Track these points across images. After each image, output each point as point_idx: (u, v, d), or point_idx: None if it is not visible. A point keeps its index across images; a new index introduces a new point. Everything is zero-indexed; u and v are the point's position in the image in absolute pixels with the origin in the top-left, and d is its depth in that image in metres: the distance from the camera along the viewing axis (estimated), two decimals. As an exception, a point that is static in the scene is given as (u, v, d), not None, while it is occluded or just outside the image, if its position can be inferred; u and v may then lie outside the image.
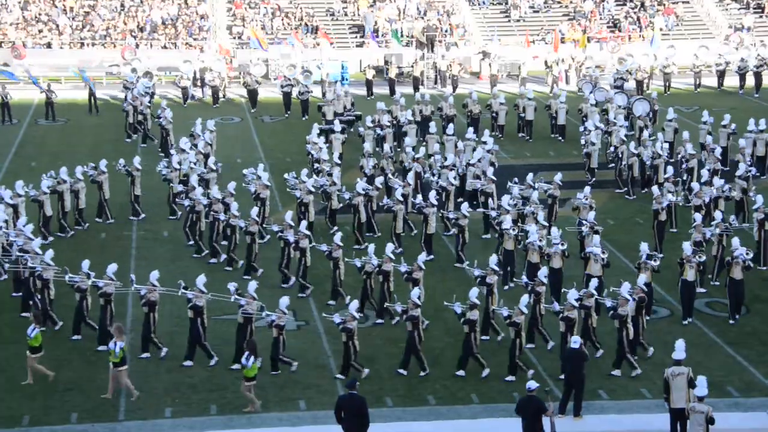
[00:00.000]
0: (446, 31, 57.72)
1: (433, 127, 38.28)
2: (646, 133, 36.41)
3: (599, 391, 21.57)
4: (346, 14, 59.77)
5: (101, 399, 21.08)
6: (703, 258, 24.83)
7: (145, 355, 22.96)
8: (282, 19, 58.44)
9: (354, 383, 19.08)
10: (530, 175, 31.37)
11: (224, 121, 44.96)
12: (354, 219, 29.97)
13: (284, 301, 22.62)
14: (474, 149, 34.91)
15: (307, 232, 27.02)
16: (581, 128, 38.66)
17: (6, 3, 57.65)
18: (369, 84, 49.85)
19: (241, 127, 44.40)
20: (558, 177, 31.16)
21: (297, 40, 53.96)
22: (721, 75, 50.81)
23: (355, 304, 22.44)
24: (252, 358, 20.69)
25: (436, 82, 51.42)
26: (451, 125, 38.36)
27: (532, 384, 18.84)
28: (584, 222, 27.63)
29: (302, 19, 58.56)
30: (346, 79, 52.11)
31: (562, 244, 25.66)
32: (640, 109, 40.78)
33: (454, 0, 61.02)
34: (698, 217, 27.84)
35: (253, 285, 23.12)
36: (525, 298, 22.57)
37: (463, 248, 28.46)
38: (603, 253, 25.21)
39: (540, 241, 25.97)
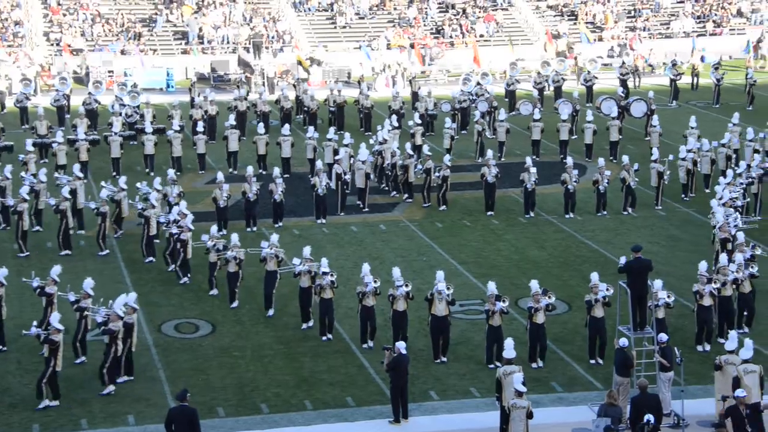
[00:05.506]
0: (273, 37, 57.52)
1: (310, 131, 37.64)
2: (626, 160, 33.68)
3: (430, 392, 21.84)
4: (169, 20, 58.76)
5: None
6: (719, 285, 23.12)
7: None
8: (102, 26, 57.00)
9: (185, 394, 18.69)
10: None
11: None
12: (60, 224, 29.57)
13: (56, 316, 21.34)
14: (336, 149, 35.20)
15: None
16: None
17: None
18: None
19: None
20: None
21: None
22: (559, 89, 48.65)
23: (56, 316, 21.33)
24: None
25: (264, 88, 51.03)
26: (287, 125, 38.39)
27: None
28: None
29: (123, 25, 57.27)
30: (172, 87, 51.42)
31: (406, 285, 23.34)
32: (637, 110, 41.44)
33: (280, 6, 60.96)
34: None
35: None
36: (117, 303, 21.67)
37: (150, 241, 28.68)
38: (448, 288, 22.96)
39: (375, 282, 23.50)
